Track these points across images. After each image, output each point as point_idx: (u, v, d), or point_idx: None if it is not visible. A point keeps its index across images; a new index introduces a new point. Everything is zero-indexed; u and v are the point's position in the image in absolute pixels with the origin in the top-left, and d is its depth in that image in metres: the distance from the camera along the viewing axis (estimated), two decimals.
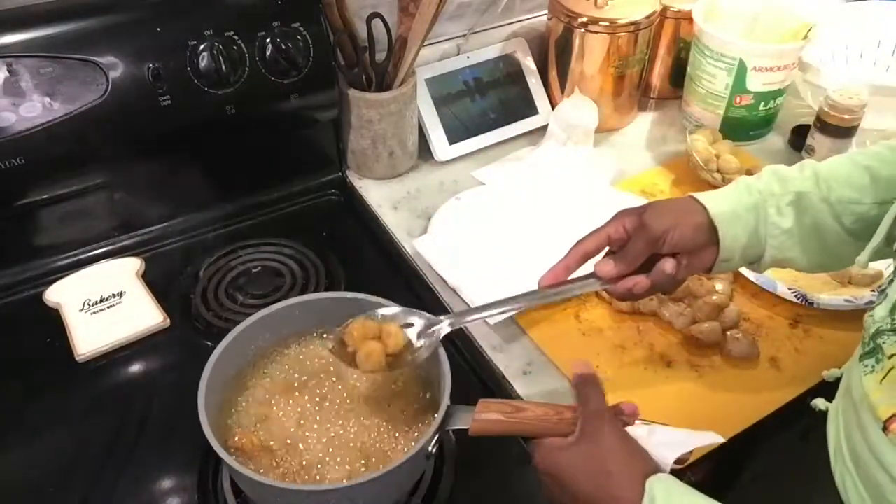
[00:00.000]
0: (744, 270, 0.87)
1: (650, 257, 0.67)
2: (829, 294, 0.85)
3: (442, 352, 0.65)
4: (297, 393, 0.69)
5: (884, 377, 0.53)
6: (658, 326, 0.84)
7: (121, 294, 0.88)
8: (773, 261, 0.70)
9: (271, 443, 0.64)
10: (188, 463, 0.70)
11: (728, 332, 0.82)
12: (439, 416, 0.60)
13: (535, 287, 0.70)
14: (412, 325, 0.67)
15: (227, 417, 0.66)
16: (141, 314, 0.85)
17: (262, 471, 0.61)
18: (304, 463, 0.63)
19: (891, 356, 0.53)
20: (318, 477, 0.62)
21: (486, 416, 0.59)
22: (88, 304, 0.86)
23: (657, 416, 0.74)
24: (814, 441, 0.65)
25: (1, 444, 0.73)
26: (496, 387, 0.79)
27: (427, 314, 0.68)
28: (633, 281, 0.67)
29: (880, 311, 0.56)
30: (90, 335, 0.82)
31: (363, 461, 0.63)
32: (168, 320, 0.85)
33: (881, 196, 0.66)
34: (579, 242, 0.70)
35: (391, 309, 0.68)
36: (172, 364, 0.82)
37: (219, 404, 0.65)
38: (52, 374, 0.80)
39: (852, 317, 0.83)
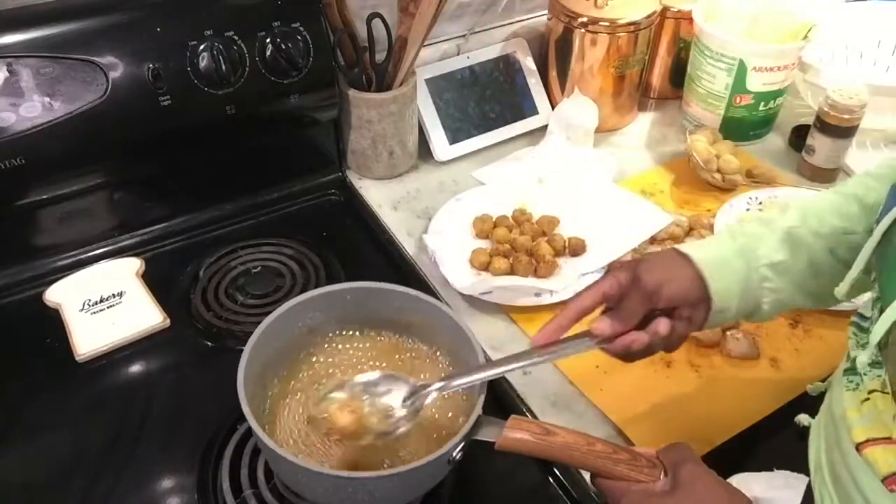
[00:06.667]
0: None
1: (649, 313, 0.62)
2: None
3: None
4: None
5: (864, 400, 0.52)
6: None
7: (121, 294, 0.88)
8: (772, 306, 0.65)
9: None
10: (188, 463, 0.70)
11: (728, 332, 0.81)
12: (468, 425, 0.59)
13: (529, 342, 0.65)
14: (390, 391, 0.62)
15: (266, 387, 0.68)
16: (141, 314, 0.85)
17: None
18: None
19: (871, 391, 0.52)
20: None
21: (515, 433, 0.58)
22: (88, 304, 0.86)
23: (657, 416, 0.74)
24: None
25: (1, 444, 0.73)
26: (495, 387, 0.79)
27: (411, 381, 0.63)
28: (631, 338, 0.61)
29: (863, 357, 0.52)
30: (90, 335, 0.82)
31: (389, 459, 0.64)
32: (168, 320, 0.85)
33: (872, 223, 0.61)
34: (574, 299, 0.63)
35: (370, 375, 0.64)
36: (172, 364, 0.82)
37: (258, 375, 0.65)
38: (52, 374, 0.80)
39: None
